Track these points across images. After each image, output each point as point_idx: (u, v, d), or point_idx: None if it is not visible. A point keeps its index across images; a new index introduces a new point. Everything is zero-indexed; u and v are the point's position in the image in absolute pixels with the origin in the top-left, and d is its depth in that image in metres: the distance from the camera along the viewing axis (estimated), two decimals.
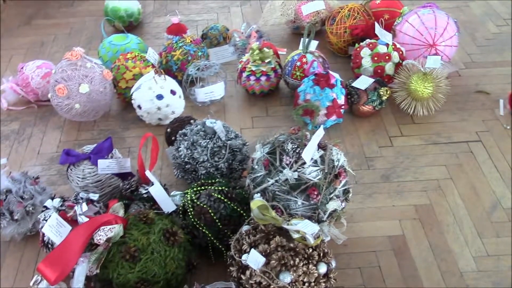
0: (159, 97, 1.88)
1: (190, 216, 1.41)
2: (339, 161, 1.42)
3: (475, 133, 1.90)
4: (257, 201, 1.26)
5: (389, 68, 1.99)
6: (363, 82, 1.92)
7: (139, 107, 1.92)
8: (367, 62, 2.01)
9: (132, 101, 1.95)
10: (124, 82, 1.99)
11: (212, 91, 2.02)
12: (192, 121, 1.76)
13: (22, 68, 2.09)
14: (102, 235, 1.25)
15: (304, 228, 1.22)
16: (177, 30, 2.24)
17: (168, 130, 1.79)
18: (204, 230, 1.40)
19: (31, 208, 1.52)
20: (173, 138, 1.73)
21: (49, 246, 1.41)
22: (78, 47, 1.89)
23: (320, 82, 1.84)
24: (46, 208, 1.46)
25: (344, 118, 1.93)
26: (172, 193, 1.54)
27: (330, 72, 1.90)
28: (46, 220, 1.35)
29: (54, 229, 1.30)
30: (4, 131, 2.03)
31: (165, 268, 1.28)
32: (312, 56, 2.02)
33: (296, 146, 1.39)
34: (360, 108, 1.93)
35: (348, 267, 1.48)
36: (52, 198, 1.49)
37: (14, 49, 2.53)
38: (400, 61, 1.99)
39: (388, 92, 1.91)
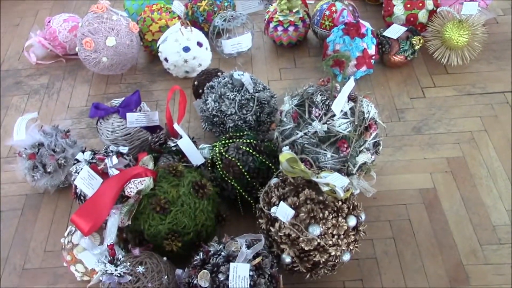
0: (186, 49, 1.85)
1: (219, 169, 1.41)
2: (370, 113, 1.39)
3: None
4: (286, 153, 1.25)
5: (422, 15, 1.91)
6: (395, 31, 1.85)
7: (166, 59, 1.91)
8: (399, 9, 1.93)
9: (159, 54, 1.93)
10: (150, 35, 1.97)
11: (239, 43, 1.98)
12: (219, 73, 1.74)
13: (49, 22, 2.08)
14: (132, 188, 1.27)
15: (334, 181, 1.21)
16: None
17: (196, 82, 1.78)
18: (232, 183, 1.40)
19: (63, 161, 1.54)
20: (200, 91, 1.72)
21: (82, 198, 1.44)
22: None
23: (350, 32, 1.78)
24: (78, 161, 1.48)
25: (374, 69, 1.88)
26: (200, 146, 1.54)
27: (360, 21, 1.83)
28: (78, 173, 1.38)
29: (86, 181, 1.32)
30: (34, 85, 2.05)
31: (195, 220, 1.29)
32: (342, 4, 1.95)
33: (325, 98, 1.36)
34: (391, 58, 1.87)
35: (377, 220, 1.48)
36: (83, 151, 1.51)
37: (40, 3, 2.52)
38: (434, 8, 1.91)
39: (421, 41, 1.85)
